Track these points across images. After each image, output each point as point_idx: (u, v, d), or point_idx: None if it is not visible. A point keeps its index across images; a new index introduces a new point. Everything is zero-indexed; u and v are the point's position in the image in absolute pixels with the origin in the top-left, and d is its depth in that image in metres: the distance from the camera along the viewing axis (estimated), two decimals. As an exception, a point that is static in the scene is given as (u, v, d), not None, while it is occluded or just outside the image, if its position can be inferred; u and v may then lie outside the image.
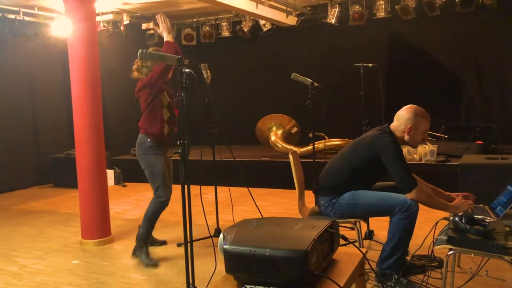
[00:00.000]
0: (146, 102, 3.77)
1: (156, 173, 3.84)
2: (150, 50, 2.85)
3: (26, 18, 7.10)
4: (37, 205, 6.31)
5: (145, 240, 3.84)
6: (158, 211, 3.88)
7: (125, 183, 7.54)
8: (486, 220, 2.53)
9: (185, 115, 2.62)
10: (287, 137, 7.32)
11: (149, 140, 3.79)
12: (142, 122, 3.85)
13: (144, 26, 8.65)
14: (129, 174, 7.73)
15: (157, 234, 4.63)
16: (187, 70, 2.59)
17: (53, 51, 7.66)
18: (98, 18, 7.42)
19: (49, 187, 7.68)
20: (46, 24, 7.22)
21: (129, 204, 6.17)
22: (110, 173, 7.40)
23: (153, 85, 3.68)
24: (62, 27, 6.78)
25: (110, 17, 7.75)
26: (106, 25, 7.93)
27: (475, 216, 2.51)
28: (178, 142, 2.58)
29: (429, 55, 7.79)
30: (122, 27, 7.98)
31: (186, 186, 2.62)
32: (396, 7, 7.25)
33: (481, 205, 3.11)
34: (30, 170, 7.72)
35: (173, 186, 7.02)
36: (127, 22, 7.95)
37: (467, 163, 4.98)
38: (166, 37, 3.70)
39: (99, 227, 4.33)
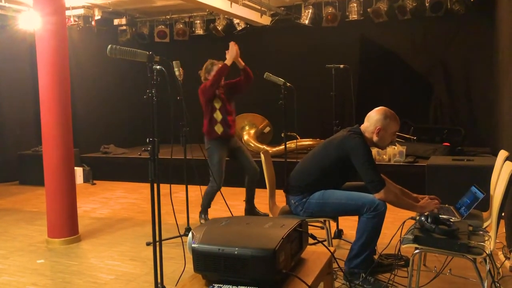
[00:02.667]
0: (203, 107, 4.57)
1: (213, 164, 4.54)
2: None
3: (-7, 10, 6.90)
4: (1, 203, 6.13)
5: (205, 210, 4.76)
6: (212, 193, 4.66)
7: (94, 181, 7.41)
8: (451, 219, 2.60)
9: (155, 112, 2.60)
10: (260, 137, 7.34)
11: (207, 139, 4.60)
12: (204, 128, 4.62)
13: (116, 21, 8.51)
14: (99, 172, 7.62)
15: (126, 232, 4.58)
16: (158, 67, 2.57)
17: (21, 44, 7.46)
18: (68, 13, 7.26)
19: (14, 184, 7.47)
20: (13, 16, 7.02)
21: (97, 202, 6.06)
22: (78, 171, 7.26)
23: (205, 93, 4.49)
24: (30, 20, 6.61)
25: (81, 11, 7.59)
26: (77, 19, 7.76)
27: (440, 216, 2.57)
28: (148, 140, 2.55)
29: (399, 58, 7.94)
30: (93, 22, 7.82)
31: (155, 185, 2.60)
32: (369, 10, 7.37)
33: (446, 205, 3.19)
34: (-6, 167, 7.50)
35: (143, 184, 6.95)
36: (99, 17, 7.81)
37: (434, 164, 5.10)
38: (227, 61, 4.46)
39: (66, 225, 4.23)
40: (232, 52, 4.48)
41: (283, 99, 4.46)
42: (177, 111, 4.05)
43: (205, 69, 4.66)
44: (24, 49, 7.49)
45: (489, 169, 3.29)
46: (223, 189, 4.25)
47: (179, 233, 3.66)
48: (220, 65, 4.48)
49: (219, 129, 4.52)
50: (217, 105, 4.54)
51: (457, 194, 3.22)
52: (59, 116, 4.16)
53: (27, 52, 7.45)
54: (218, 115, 4.53)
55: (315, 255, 2.17)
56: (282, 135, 4.73)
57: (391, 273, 3.00)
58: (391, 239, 2.75)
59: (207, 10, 8.18)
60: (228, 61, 4.46)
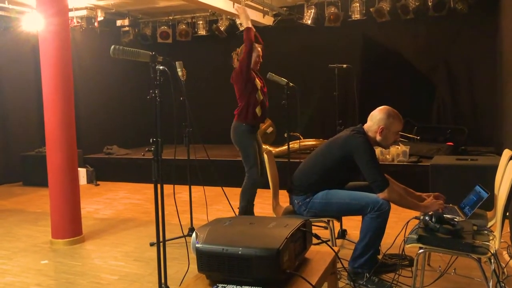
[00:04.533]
0: (241, 90, 4.29)
1: (250, 155, 4.31)
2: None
3: (-4, 12, 6.92)
4: (5, 204, 6.14)
5: (246, 212, 4.39)
6: (251, 188, 4.34)
7: (97, 182, 7.42)
8: (455, 219, 2.59)
9: (159, 113, 2.60)
10: (263, 137, 7.30)
11: (244, 125, 4.31)
12: (239, 111, 4.35)
13: (118, 22, 8.53)
14: (102, 172, 7.63)
15: (130, 233, 4.59)
16: (161, 67, 2.57)
17: (24, 46, 7.48)
18: (71, 14, 7.27)
19: (18, 185, 7.49)
20: (17, 18, 7.04)
21: (101, 203, 6.07)
22: (82, 172, 7.27)
23: (242, 72, 4.19)
24: (34, 22, 6.63)
25: (84, 13, 7.61)
26: (80, 21, 7.78)
27: (444, 215, 2.56)
28: (151, 140, 2.55)
29: (402, 58, 7.93)
30: (96, 24, 7.84)
31: (159, 185, 2.60)
32: (371, 9, 7.35)
33: (450, 204, 3.18)
34: (-2, 168, 7.52)
35: (146, 185, 6.97)
36: (102, 18, 7.83)
37: (438, 164, 5.08)
38: (245, 24, 4.24)
39: (69, 226, 4.24)
40: (242, 12, 4.33)
41: (286, 99, 4.45)
42: (180, 112, 4.06)
43: (238, 53, 4.43)
44: (28, 50, 7.51)
45: (493, 169, 3.28)
46: (226, 189, 4.23)
47: (183, 233, 3.66)
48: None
49: (259, 111, 4.31)
50: (258, 85, 4.35)
51: (461, 193, 3.20)
52: (63, 117, 4.17)
53: (30, 53, 7.47)
54: (259, 96, 4.32)
55: (319, 255, 2.17)
56: (285, 135, 4.73)
57: (395, 273, 3.00)
58: (395, 239, 2.74)
59: (210, 11, 8.18)
60: (246, 23, 4.26)
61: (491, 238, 2.53)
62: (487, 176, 3.52)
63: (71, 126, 4.25)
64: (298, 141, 6.72)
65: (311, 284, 1.82)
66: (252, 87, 4.31)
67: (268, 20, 8.12)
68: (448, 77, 7.76)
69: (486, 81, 7.27)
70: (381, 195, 2.94)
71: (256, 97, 4.31)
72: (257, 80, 4.37)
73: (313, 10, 7.69)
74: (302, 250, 2.05)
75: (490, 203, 3.02)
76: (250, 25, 4.25)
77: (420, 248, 2.48)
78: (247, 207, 4.39)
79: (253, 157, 4.33)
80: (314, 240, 2.15)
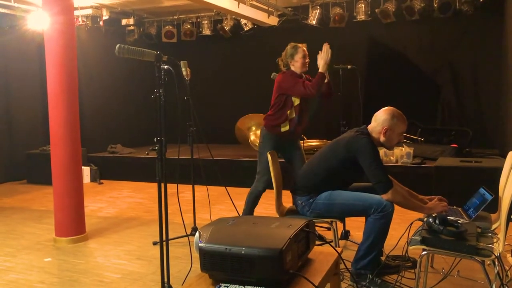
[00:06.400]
0: (275, 97, 4.06)
1: (260, 160, 4.07)
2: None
3: (2, 10, 6.95)
4: (9, 202, 6.17)
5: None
6: (254, 192, 4.12)
7: (101, 181, 7.44)
8: (459, 221, 2.58)
9: (163, 112, 2.60)
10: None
11: (266, 131, 4.09)
12: (268, 115, 4.11)
13: (124, 22, 8.55)
14: (106, 171, 7.65)
15: (133, 231, 4.59)
16: (165, 66, 2.57)
17: (30, 44, 7.51)
18: (76, 13, 7.30)
19: (22, 183, 7.52)
20: (22, 17, 7.07)
21: (104, 201, 6.09)
22: (86, 170, 7.30)
23: (291, 89, 3.99)
24: (39, 21, 6.66)
25: (89, 11, 7.63)
26: (85, 19, 7.81)
27: (448, 217, 2.56)
28: (155, 139, 2.56)
29: (407, 59, 7.91)
30: (101, 22, 7.86)
31: (162, 185, 2.60)
32: (376, 10, 7.34)
33: (454, 206, 3.17)
34: (3, 165, 7.54)
35: (150, 184, 6.96)
36: (107, 17, 7.85)
37: (442, 166, 5.07)
38: (321, 68, 4.00)
39: (73, 224, 4.26)
40: (326, 55, 4.04)
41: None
42: (184, 111, 4.07)
43: (286, 53, 4.22)
44: (33, 49, 7.54)
45: (498, 171, 3.27)
46: (229, 189, 4.23)
47: (186, 232, 3.66)
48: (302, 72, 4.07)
49: (285, 127, 4.00)
50: (296, 101, 3.99)
51: (465, 195, 3.20)
52: (67, 115, 4.18)
53: (35, 52, 7.50)
54: (292, 113, 4.00)
55: (322, 255, 2.16)
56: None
57: (398, 274, 2.99)
58: (399, 240, 2.73)
59: (215, 11, 8.19)
60: (322, 68, 3.99)
61: (495, 240, 2.52)
62: (492, 178, 3.51)
63: (76, 125, 4.27)
64: (302, 141, 6.71)
65: (313, 285, 1.82)
66: (288, 102, 4.03)
67: (273, 21, 8.12)
68: (453, 79, 7.74)
69: (491, 83, 7.25)
70: (384, 196, 2.93)
71: (288, 113, 4.00)
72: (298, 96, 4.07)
73: (318, 11, 7.69)
74: (305, 251, 2.05)
75: (494, 206, 3.01)
76: (323, 70, 3.99)
77: (424, 249, 2.48)
78: (249, 212, 4.22)
79: (264, 163, 3.90)
80: (317, 241, 2.15)
